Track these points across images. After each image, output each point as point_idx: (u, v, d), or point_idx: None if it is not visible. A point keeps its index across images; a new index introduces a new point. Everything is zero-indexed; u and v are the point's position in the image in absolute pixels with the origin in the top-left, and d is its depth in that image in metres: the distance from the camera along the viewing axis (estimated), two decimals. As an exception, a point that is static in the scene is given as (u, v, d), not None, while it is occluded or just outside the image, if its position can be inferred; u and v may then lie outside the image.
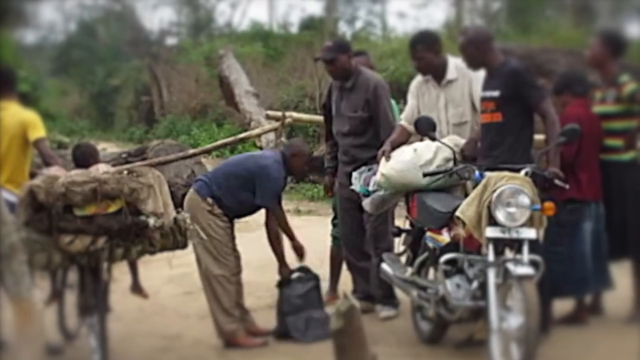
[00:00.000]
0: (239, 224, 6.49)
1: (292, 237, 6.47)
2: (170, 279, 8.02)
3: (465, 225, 5.30)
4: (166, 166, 9.82)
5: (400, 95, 9.55)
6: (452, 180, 5.84)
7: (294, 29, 30.35)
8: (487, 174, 5.35)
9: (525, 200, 5.17)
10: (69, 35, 36.48)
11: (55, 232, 5.17)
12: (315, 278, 6.56)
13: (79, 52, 34.15)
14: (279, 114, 9.29)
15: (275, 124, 8.83)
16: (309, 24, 28.98)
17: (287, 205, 11.05)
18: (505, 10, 24.56)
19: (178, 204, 5.83)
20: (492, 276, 5.14)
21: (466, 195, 5.55)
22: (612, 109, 6.16)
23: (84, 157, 6.36)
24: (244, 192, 6.24)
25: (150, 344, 6.40)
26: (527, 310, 4.89)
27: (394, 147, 6.21)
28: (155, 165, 8.49)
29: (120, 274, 6.48)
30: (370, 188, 6.24)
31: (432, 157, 5.93)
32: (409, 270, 6.04)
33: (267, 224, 6.39)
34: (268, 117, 9.88)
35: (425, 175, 5.78)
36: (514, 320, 5.01)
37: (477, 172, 5.44)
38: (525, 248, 5.17)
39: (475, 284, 5.34)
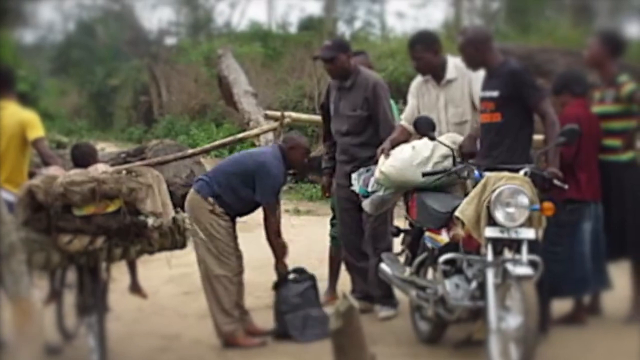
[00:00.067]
0: (237, 224, 6.48)
1: (273, 239, 6.45)
2: (169, 278, 8.03)
3: (464, 225, 5.30)
4: (165, 166, 9.81)
5: (399, 95, 9.56)
6: (450, 179, 5.84)
7: (292, 29, 30.36)
8: (487, 174, 5.35)
9: (524, 200, 5.17)
10: (68, 35, 36.44)
11: (54, 231, 5.18)
12: (311, 278, 6.57)
13: (78, 52, 34.12)
14: (278, 113, 9.28)
15: (274, 124, 8.82)
16: (308, 24, 28.98)
17: (286, 205, 11.09)
18: (504, 10, 24.56)
19: (177, 204, 5.82)
20: (491, 276, 5.14)
21: (466, 194, 5.54)
22: (611, 109, 6.16)
23: (83, 157, 6.36)
24: (244, 189, 6.24)
25: (149, 344, 6.40)
26: (526, 311, 4.89)
27: (394, 146, 6.21)
28: (154, 165, 8.48)
29: (119, 273, 6.47)
30: (370, 189, 6.25)
31: (430, 154, 5.93)
32: (408, 270, 6.04)
33: (264, 218, 6.38)
34: (267, 117, 9.86)
35: (424, 175, 5.78)
36: (513, 321, 5.01)
37: (476, 172, 5.44)
38: (524, 248, 5.17)
39: (474, 284, 5.34)
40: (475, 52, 5.76)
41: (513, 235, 5.18)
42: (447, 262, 5.44)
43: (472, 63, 5.85)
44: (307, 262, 7.38)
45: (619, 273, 6.34)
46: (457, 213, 5.32)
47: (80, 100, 33.48)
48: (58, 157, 6.90)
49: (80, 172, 5.50)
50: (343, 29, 32.38)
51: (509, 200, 5.17)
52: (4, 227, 4.42)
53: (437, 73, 6.37)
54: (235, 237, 6.34)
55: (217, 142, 10.18)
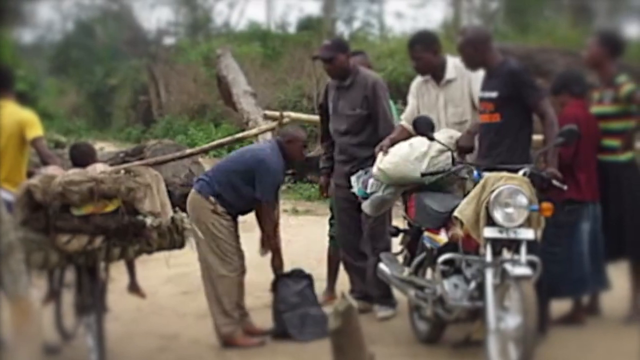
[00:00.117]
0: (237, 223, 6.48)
1: (271, 236, 6.45)
2: (167, 278, 8.03)
3: (463, 226, 5.30)
4: (163, 166, 9.81)
5: (398, 95, 9.57)
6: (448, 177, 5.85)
7: (291, 29, 30.39)
8: (486, 174, 5.35)
9: (523, 200, 5.17)
10: (67, 35, 36.45)
11: (53, 231, 5.17)
12: (309, 278, 6.57)
13: (76, 51, 34.13)
14: (277, 113, 9.27)
15: (273, 124, 8.81)
16: (307, 24, 28.99)
17: (284, 205, 11.09)
18: (503, 10, 24.57)
19: (175, 204, 5.82)
20: (489, 276, 5.13)
21: (465, 194, 5.54)
22: (609, 110, 6.16)
23: (82, 157, 6.36)
24: (244, 187, 6.23)
25: (147, 344, 6.39)
26: (524, 311, 4.89)
27: (392, 145, 6.21)
28: (152, 164, 8.48)
29: (117, 273, 6.47)
30: (368, 190, 6.25)
31: (427, 149, 5.92)
32: (407, 270, 6.03)
33: (262, 215, 6.36)
34: (266, 117, 9.86)
35: (423, 175, 5.79)
36: (512, 321, 5.01)
37: (475, 172, 5.44)
38: (523, 248, 5.17)
39: (472, 284, 5.34)
40: (475, 52, 5.76)
41: (512, 236, 5.18)
42: (445, 262, 5.44)
43: (472, 63, 5.85)
44: (306, 262, 7.40)
45: (618, 273, 6.35)
46: (456, 213, 5.32)
47: (79, 100, 33.49)
48: (57, 156, 6.90)
49: (79, 172, 5.50)
50: (342, 29, 32.45)
51: (508, 201, 5.17)
52: (2, 227, 4.42)
53: (436, 73, 6.37)
54: (237, 237, 6.34)
55: (215, 142, 10.17)
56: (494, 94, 5.66)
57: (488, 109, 5.73)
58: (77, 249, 5.21)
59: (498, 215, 5.16)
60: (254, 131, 9.08)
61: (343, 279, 7.18)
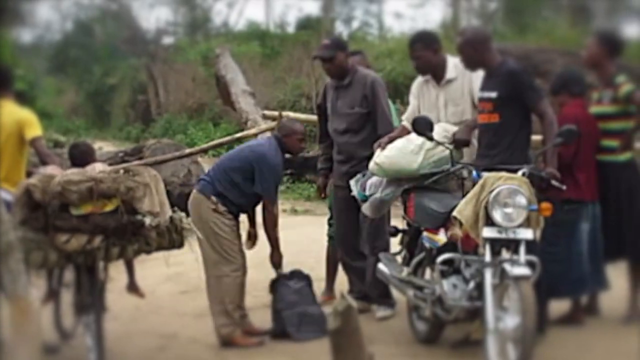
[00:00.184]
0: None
1: (271, 232, 6.45)
2: (166, 278, 8.03)
3: (462, 226, 5.30)
4: (162, 165, 9.82)
5: (397, 95, 9.59)
6: (444, 165, 5.85)
7: (290, 29, 30.38)
8: (485, 174, 5.35)
9: (522, 200, 5.17)
10: (66, 34, 36.42)
11: (52, 230, 5.17)
12: (307, 278, 6.58)
13: (75, 51, 34.10)
14: (276, 113, 9.29)
15: (272, 124, 8.82)
16: (306, 24, 28.99)
17: (283, 205, 11.11)
18: (501, 11, 24.54)
19: (174, 203, 5.82)
20: (488, 276, 5.14)
21: (464, 194, 5.54)
22: (608, 110, 6.17)
23: (81, 156, 6.36)
24: (245, 184, 6.23)
25: (146, 343, 6.40)
26: (523, 311, 4.89)
27: (391, 142, 6.22)
28: (151, 164, 8.48)
29: (116, 273, 6.47)
30: (367, 192, 6.26)
31: (422, 142, 5.92)
32: (406, 270, 6.03)
33: (263, 209, 6.37)
34: (265, 117, 9.88)
35: (423, 175, 5.79)
36: (511, 321, 5.01)
37: (474, 172, 5.44)
38: (522, 248, 5.18)
39: (471, 284, 5.34)
40: (474, 52, 5.77)
41: (511, 236, 5.18)
42: (444, 262, 5.43)
43: (471, 63, 5.86)
44: (305, 262, 7.40)
45: (617, 273, 6.35)
46: (455, 213, 5.32)
47: (78, 99, 33.49)
48: (56, 156, 6.90)
49: (78, 172, 5.50)
50: (341, 29, 32.44)
51: (507, 201, 5.17)
52: (1, 226, 4.42)
53: (436, 72, 6.38)
54: (239, 236, 6.34)
55: (214, 142, 10.20)
56: (493, 94, 5.66)
57: (487, 109, 5.73)
58: (76, 248, 5.21)
59: (497, 215, 5.17)
60: (253, 131, 9.10)
61: (342, 279, 7.18)
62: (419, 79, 6.57)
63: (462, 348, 5.75)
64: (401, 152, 6.04)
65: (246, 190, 6.23)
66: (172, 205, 5.62)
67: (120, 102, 30.35)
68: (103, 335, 5.44)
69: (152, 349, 6.26)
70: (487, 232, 5.19)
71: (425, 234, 5.83)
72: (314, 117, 8.12)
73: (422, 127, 5.79)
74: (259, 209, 6.42)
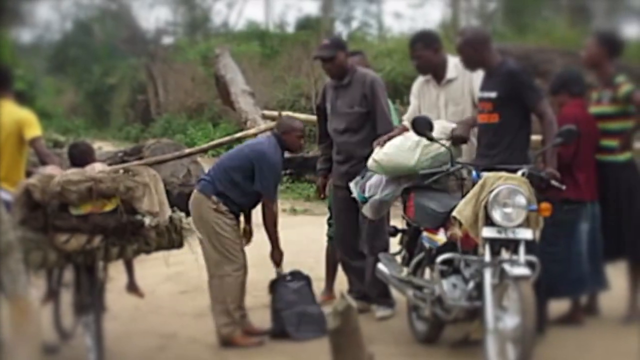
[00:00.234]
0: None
1: (271, 230, 6.44)
2: (166, 278, 8.03)
3: (461, 226, 5.30)
4: (162, 165, 9.80)
5: (397, 95, 9.59)
6: (441, 161, 5.86)
7: (290, 29, 30.37)
8: (484, 174, 5.35)
9: (521, 200, 5.17)
10: (65, 34, 36.44)
11: (51, 230, 5.18)
12: (306, 278, 6.58)
13: (75, 50, 34.11)
14: (275, 113, 9.28)
15: (271, 124, 8.81)
16: (305, 24, 28.97)
17: (283, 204, 11.10)
18: (501, 11, 24.54)
19: (173, 203, 5.82)
20: (488, 276, 5.14)
21: (464, 194, 5.55)
22: (607, 110, 6.17)
23: (81, 156, 6.36)
24: (245, 182, 6.22)
25: (146, 343, 6.39)
26: (523, 311, 4.89)
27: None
28: (151, 164, 8.48)
29: (116, 273, 6.47)
30: (366, 194, 6.27)
31: (419, 139, 5.92)
32: (405, 270, 6.04)
33: (262, 208, 6.37)
34: (264, 117, 9.87)
35: (422, 175, 5.80)
36: (510, 321, 5.01)
37: (474, 172, 5.44)
38: (522, 248, 5.18)
39: (471, 284, 5.34)
40: (474, 52, 5.77)
41: (510, 236, 5.18)
42: (444, 262, 5.43)
43: (471, 64, 5.86)
44: (304, 262, 7.40)
45: (616, 273, 6.35)
46: (454, 213, 5.32)
47: (77, 99, 33.50)
48: (55, 156, 6.90)
49: (78, 171, 5.49)
50: (340, 29, 32.46)
51: (507, 201, 5.17)
52: (1, 226, 4.42)
53: (437, 72, 6.38)
54: (240, 236, 6.33)
55: (214, 142, 10.17)
56: (492, 94, 5.67)
57: (487, 108, 5.73)
58: (75, 248, 5.21)
59: (497, 215, 5.17)
60: (252, 131, 9.07)
61: (342, 279, 7.18)
62: (420, 79, 6.58)
63: (462, 348, 5.75)
64: (398, 149, 6.06)
65: (247, 189, 6.23)
66: (171, 205, 5.62)
67: (120, 102, 30.34)
68: (102, 335, 5.44)
69: (152, 349, 6.26)
70: (487, 232, 5.18)
71: (424, 233, 5.83)
72: (314, 117, 8.11)
73: (422, 127, 5.79)
74: (256, 207, 6.42)
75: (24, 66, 24.81)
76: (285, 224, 6.48)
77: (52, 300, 6.17)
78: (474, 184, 5.38)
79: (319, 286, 7.09)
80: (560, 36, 17.15)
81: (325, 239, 7.37)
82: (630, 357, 5.40)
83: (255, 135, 8.84)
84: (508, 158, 5.55)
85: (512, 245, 5.23)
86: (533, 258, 5.17)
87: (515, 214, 5.17)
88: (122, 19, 35.52)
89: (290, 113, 9.37)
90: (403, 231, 6.34)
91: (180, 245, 5.64)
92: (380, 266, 6.30)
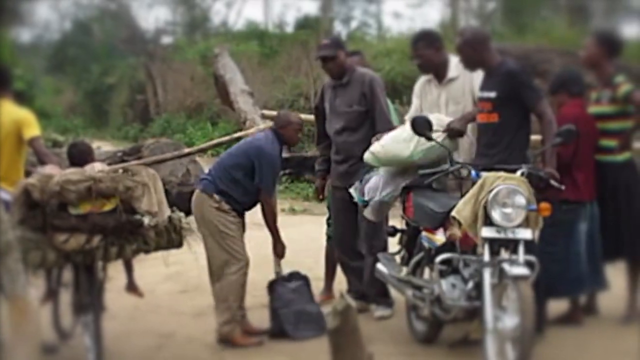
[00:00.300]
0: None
1: (271, 224, 6.44)
2: (165, 277, 8.02)
3: (461, 225, 5.30)
4: (161, 165, 9.79)
5: (395, 94, 9.58)
6: (437, 153, 5.89)
7: (289, 29, 30.38)
8: (484, 174, 5.35)
9: (521, 200, 5.17)
10: (64, 34, 36.44)
11: (50, 230, 5.18)
12: (305, 278, 6.59)
13: (74, 50, 34.12)
14: (274, 113, 9.27)
15: (270, 123, 8.81)
16: (305, 24, 28.97)
17: (282, 204, 11.10)
18: (500, 11, 24.57)
19: (172, 203, 5.82)
20: (487, 276, 5.14)
21: (463, 194, 5.55)
22: (607, 110, 6.17)
23: (80, 156, 6.34)
24: (246, 180, 6.21)
25: (145, 342, 6.39)
26: (522, 311, 4.89)
27: None
28: (150, 164, 8.47)
29: (115, 272, 6.46)
30: (366, 197, 6.27)
31: None
32: (404, 269, 6.04)
33: (261, 203, 6.35)
34: (263, 116, 9.86)
35: (421, 175, 5.80)
36: (509, 321, 5.01)
37: (473, 172, 5.44)
38: (521, 248, 5.18)
39: (470, 284, 5.34)
40: (473, 52, 5.78)
41: (510, 236, 5.18)
42: (443, 262, 5.44)
43: (470, 63, 5.86)
44: (303, 261, 7.40)
45: (615, 273, 6.36)
46: (454, 213, 5.32)
47: (76, 99, 33.48)
48: (54, 155, 6.89)
49: (77, 171, 5.49)
50: (339, 29, 32.48)
51: (506, 201, 5.18)
52: (0, 226, 4.42)
53: (439, 71, 6.39)
54: (243, 234, 6.32)
55: (213, 142, 10.16)
56: (492, 94, 5.67)
57: (486, 108, 5.74)
58: (74, 247, 5.21)
59: (496, 215, 5.17)
60: (252, 130, 9.06)
61: (341, 279, 7.18)
62: (422, 79, 6.59)
63: (461, 348, 5.75)
64: (394, 140, 6.10)
65: (248, 186, 6.22)
66: (170, 205, 5.63)
67: (119, 102, 30.32)
68: (101, 334, 5.44)
69: (151, 348, 6.26)
70: (486, 232, 5.19)
71: (424, 233, 5.83)
72: (313, 117, 8.11)
73: (421, 127, 5.79)
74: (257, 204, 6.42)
75: (23, 66, 24.80)
76: (285, 224, 6.47)
77: (51, 299, 6.16)
78: (473, 184, 5.38)
79: (318, 286, 7.09)
80: (559, 36, 17.17)
81: (324, 238, 7.36)
82: (629, 357, 5.40)
83: (254, 134, 8.85)
84: (507, 158, 5.56)
85: (512, 245, 5.23)
86: (532, 258, 5.17)
87: (515, 214, 5.17)
88: (121, 19, 35.51)
89: (289, 113, 9.38)
90: (402, 231, 6.34)
91: (179, 244, 5.65)
92: (380, 266, 6.30)
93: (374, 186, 6.26)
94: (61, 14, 37.24)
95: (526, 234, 5.20)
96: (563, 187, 5.47)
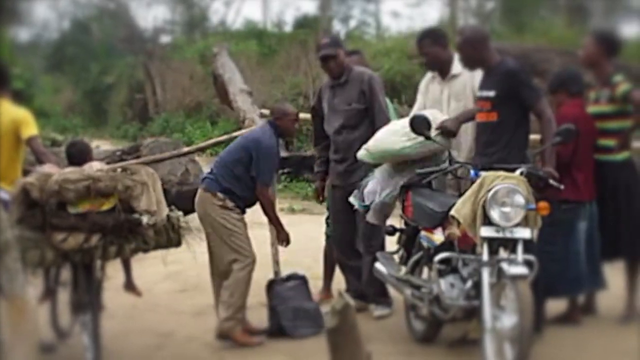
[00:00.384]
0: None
1: (272, 216, 6.44)
2: (163, 276, 8.02)
3: (459, 225, 5.30)
4: (160, 164, 9.78)
5: (394, 94, 9.57)
6: (429, 147, 5.91)
7: (288, 28, 30.38)
8: (483, 173, 5.35)
9: (520, 199, 5.17)
10: (63, 33, 36.37)
11: (49, 229, 5.18)
12: (303, 278, 6.60)
13: (73, 49, 34.09)
14: (273, 111, 9.27)
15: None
16: (303, 23, 28.97)
17: (281, 203, 11.10)
18: (499, 10, 24.55)
19: (171, 202, 5.81)
20: (486, 276, 5.14)
21: (461, 193, 5.55)
22: (605, 109, 6.17)
23: (78, 155, 6.34)
24: (246, 175, 6.19)
25: (143, 342, 6.39)
26: (520, 310, 4.89)
27: None
28: (149, 163, 8.47)
29: (113, 271, 6.46)
30: (366, 202, 6.27)
31: (406, 123, 5.93)
32: (403, 269, 6.04)
33: (259, 196, 6.33)
34: (262, 116, 9.85)
35: (419, 174, 5.80)
36: (508, 320, 5.01)
37: (472, 171, 5.44)
38: (520, 248, 5.17)
39: (469, 284, 5.34)
40: (473, 51, 5.78)
41: (508, 235, 5.18)
42: (442, 261, 5.44)
43: (470, 62, 5.86)
44: (302, 261, 7.40)
45: (614, 273, 6.36)
46: (452, 212, 5.32)
47: (75, 98, 33.45)
48: (52, 154, 6.88)
49: (75, 170, 5.49)
50: (338, 28, 32.46)
51: (505, 200, 5.17)
52: (-1, 225, 4.42)
53: (445, 68, 6.41)
54: (247, 231, 6.31)
55: (212, 140, 10.16)
56: (491, 93, 5.67)
57: (485, 107, 5.74)
58: (73, 246, 5.21)
59: (495, 214, 5.16)
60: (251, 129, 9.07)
61: (339, 278, 7.18)
62: (427, 76, 6.63)
63: (460, 347, 5.75)
64: (385, 134, 6.12)
65: (248, 182, 6.21)
66: (169, 204, 5.62)
67: (118, 101, 30.32)
68: (100, 333, 5.44)
69: (149, 347, 6.26)
70: (485, 231, 5.19)
71: (422, 232, 5.83)
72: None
73: (420, 126, 5.79)
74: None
75: (22, 65, 24.77)
76: (284, 223, 6.47)
77: (50, 299, 6.16)
78: (472, 183, 5.38)
79: (316, 285, 7.09)
80: (558, 35, 17.16)
81: (323, 237, 7.36)
82: (628, 357, 5.40)
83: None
84: (506, 157, 5.56)
85: (510, 244, 5.23)
86: (531, 257, 5.17)
87: (514, 213, 5.17)
88: (120, 18, 35.49)
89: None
90: (401, 230, 6.33)
91: (178, 244, 5.64)
92: (378, 265, 6.30)
93: (372, 190, 6.26)
94: (60, 13, 37.20)
95: (525, 233, 5.20)
96: (562, 187, 5.47)
